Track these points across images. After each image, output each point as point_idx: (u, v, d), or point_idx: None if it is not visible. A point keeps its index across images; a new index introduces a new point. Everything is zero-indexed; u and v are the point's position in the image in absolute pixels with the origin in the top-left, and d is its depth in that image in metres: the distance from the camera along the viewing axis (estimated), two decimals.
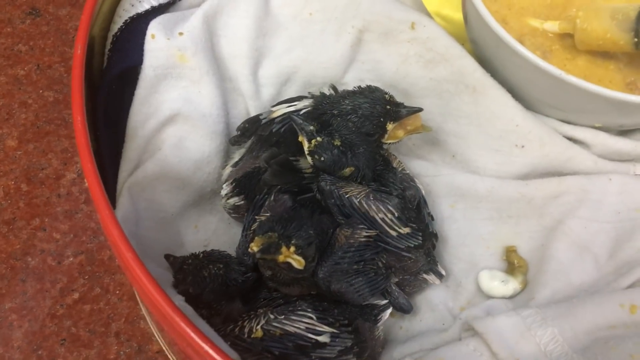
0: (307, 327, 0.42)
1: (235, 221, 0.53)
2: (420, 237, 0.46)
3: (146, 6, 0.51)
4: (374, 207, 0.45)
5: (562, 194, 0.52)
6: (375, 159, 0.47)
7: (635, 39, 0.52)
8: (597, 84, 0.48)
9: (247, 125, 0.51)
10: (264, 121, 0.50)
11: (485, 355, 0.44)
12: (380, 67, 0.55)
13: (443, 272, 0.49)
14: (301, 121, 0.45)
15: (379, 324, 0.46)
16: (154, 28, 0.50)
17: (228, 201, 0.50)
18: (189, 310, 0.40)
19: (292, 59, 0.55)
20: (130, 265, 0.36)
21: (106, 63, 0.50)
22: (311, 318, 0.42)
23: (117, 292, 0.58)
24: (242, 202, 0.49)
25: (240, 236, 0.48)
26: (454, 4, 0.63)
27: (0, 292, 0.58)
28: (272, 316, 0.42)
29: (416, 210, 0.47)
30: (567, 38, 0.56)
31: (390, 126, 0.47)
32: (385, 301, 0.47)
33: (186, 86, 0.51)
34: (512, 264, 0.51)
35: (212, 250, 0.46)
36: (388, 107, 0.47)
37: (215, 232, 0.53)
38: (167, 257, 0.45)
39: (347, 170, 0.45)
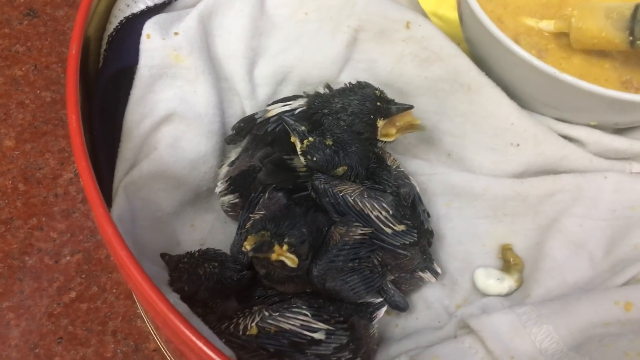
0: (302, 324, 0.42)
1: (232, 220, 0.53)
2: (415, 234, 0.47)
3: (141, 6, 0.51)
4: (368, 205, 0.45)
5: (558, 192, 0.52)
6: (368, 156, 0.47)
7: (630, 38, 0.52)
8: (593, 83, 0.48)
9: (242, 125, 0.51)
10: (259, 120, 0.50)
11: (480, 352, 0.44)
12: (376, 66, 0.55)
13: (439, 270, 0.50)
14: (293, 122, 0.45)
15: (374, 322, 0.46)
16: (150, 28, 0.50)
17: (223, 199, 0.50)
18: (184, 308, 0.40)
19: (287, 58, 0.55)
20: (125, 264, 0.36)
21: (102, 63, 0.50)
22: (306, 315, 0.42)
23: (114, 290, 0.58)
24: (237, 200, 0.49)
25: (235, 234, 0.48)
26: (449, 4, 0.63)
27: None
28: (267, 313, 0.42)
29: (411, 208, 0.47)
30: (562, 37, 0.56)
31: (380, 123, 0.47)
32: (380, 299, 0.47)
33: (182, 86, 0.51)
34: (507, 262, 0.51)
35: (207, 248, 0.46)
36: (378, 103, 0.47)
37: (211, 231, 0.53)
38: (163, 255, 0.45)
39: (340, 170, 0.46)
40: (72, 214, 0.62)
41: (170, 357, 0.54)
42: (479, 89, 0.53)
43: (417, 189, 0.49)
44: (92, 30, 0.50)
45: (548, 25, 0.57)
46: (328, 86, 0.51)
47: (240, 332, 0.41)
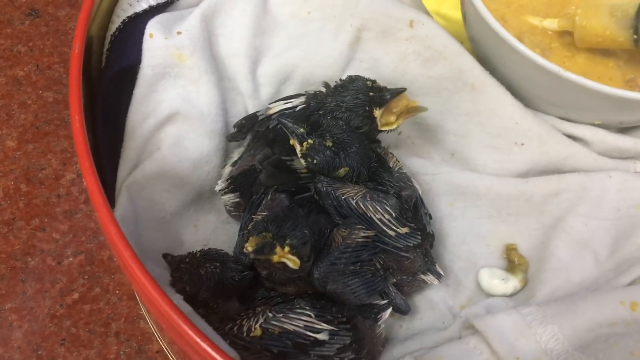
0: (305, 325, 0.41)
1: (235, 220, 0.53)
2: (419, 236, 0.46)
3: (144, 5, 0.51)
4: (371, 208, 0.45)
5: (562, 191, 0.52)
6: (369, 155, 0.47)
7: (635, 36, 0.51)
8: (597, 81, 0.48)
9: (244, 122, 0.51)
10: (260, 118, 0.50)
11: (485, 353, 0.44)
12: (379, 65, 0.55)
13: (441, 272, 0.49)
14: (291, 124, 0.45)
15: (379, 322, 0.46)
16: (152, 27, 0.50)
17: (223, 197, 0.50)
18: (187, 308, 0.40)
19: (290, 57, 0.55)
20: (128, 264, 0.36)
21: (104, 62, 0.50)
22: (309, 316, 0.42)
23: (117, 291, 0.58)
24: (239, 199, 0.49)
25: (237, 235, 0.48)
26: (453, 3, 0.63)
27: (0, 292, 0.58)
28: (270, 314, 0.42)
29: (413, 211, 0.47)
30: (566, 35, 0.56)
31: (377, 113, 0.47)
32: (385, 300, 0.47)
33: (185, 85, 0.51)
34: (512, 262, 0.51)
35: (209, 249, 0.46)
36: (371, 93, 0.47)
37: (214, 231, 0.53)
38: (165, 256, 0.45)
39: (342, 171, 0.45)
40: (75, 214, 0.62)
41: (173, 359, 0.54)
42: (483, 88, 0.53)
43: (420, 191, 0.49)
44: (95, 29, 0.50)
45: (552, 23, 0.57)
46: (326, 85, 0.51)
47: (244, 334, 0.41)
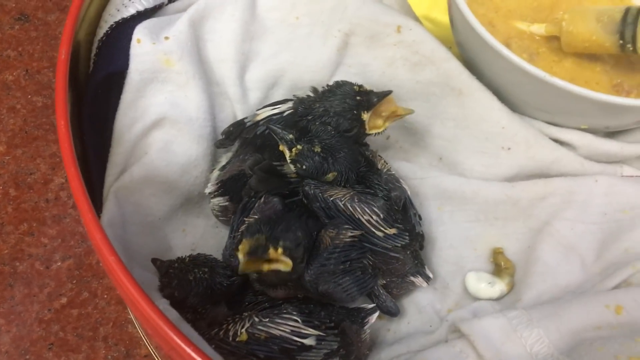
0: (292, 330, 0.42)
1: (223, 225, 0.53)
2: (407, 237, 0.47)
3: (132, 11, 0.51)
4: (358, 209, 0.45)
5: (549, 195, 0.52)
6: (358, 160, 0.47)
7: (621, 41, 0.52)
8: (584, 86, 0.48)
9: (231, 129, 0.51)
10: (248, 124, 0.50)
11: (471, 356, 0.44)
12: (367, 70, 0.55)
13: (430, 275, 0.50)
14: (280, 130, 0.45)
15: (365, 327, 0.46)
16: (140, 33, 0.50)
17: (213, 200, 0.50)
18: (173, 314, 0.40)
19: (278, 62, 0.55)
20: (113, 270, 0.36)
21: (92, 67, 0.50)
22: (296, 321, 0.42)
23: (105, 296, 0.58)
24: (227, 203, 0.49)
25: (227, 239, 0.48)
26: (442, 7, 0.63)
27: None
28: (257, 319, 0.42)
29: (402, 212, 0.47)
30: (553, 40, 0.57)
31: (365, 116, 0.47)
32: (372, 305, 0.47)
33: (172, 90, 0.51)
34: (499, 265, 0.51)
35: (198, 254, 0.46)
36: (358, 97, 0.47)
37: (203, 235, 0.53)
38: (154, 261, 0.45)
39: (330, 176, 0.46)
40: (63, 219, 0.62)
41: None
42: (470, 93, 0.54)
43: (408, 192, 0.49)
44: (82, 34, 0.50)
45: (539, 28, 0.57)
46: (314, 89, 0.51)
47: (230, 338, 0.41)
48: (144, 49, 0.49)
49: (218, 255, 0.47)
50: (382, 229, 0.45)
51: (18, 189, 0.63)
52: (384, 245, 0.46)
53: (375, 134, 0.49)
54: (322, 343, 0.42)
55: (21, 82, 0.69)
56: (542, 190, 0.52)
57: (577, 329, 0.43)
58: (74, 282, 0.59)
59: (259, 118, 0.49)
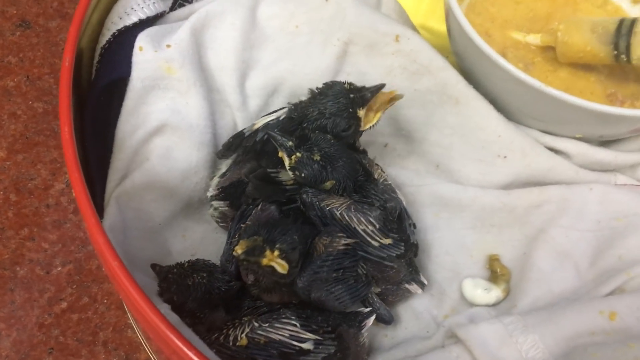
0: (291, 335, 0.42)
1: (223, 230, 0.53)
2: (402, 247, 0.47)
3: (134, 19, 0.52)
4: (355, 219, 0.45)
5: (544, 203, 0.53)
6: (356, 169, 0.48)
7: (615, 52, 0.53)
8: (579, 96, 0.49)
9: (232, 140, 0.51)
10: (247, 134, 0.50)
11: None
12: (366, 78, 0.55)
13: (425, 282, 0.50)
14: (280, 137, 0.46)
15: (363, 331, 0.46)
16: (142, 40, 0.50)
17: (213, 203, 0.50)
18: (174, 318, 0.40)
19: (278, 70, 0.56)
20: (116, 274, 0.37)
21: (94, 74, 0.51)
22: (295, 326, 0.42)
23: (105, 301, 0.58)
24: (227, 208, 0.50)
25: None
26: (439, 17, 0.64)
27: None
28: (256, 324, 0.42)
29: (398, 222, 0.48)
30: (549, 50, 0.58)
31: (361, 112, 0.47)
32: (368, 309, 0.47)
33: (174, 97, 0.51)
34: (494, 272, 0.52)
35: (197, 259, 0.46)
36: (351, 95, 0.47)
37: (202, 241, 0.53)
38: (153, 266, 0.46)
39: (328, 184, 0.46)
40: (64, 224, 0.62)
41: None
42: (467, 102, 0.54)
43: (404, 202, 0.49)
44: (85, 42, 0.50)
45: (535, 39, 0.58)
46: (311, 91, 0.50)
47: (230, 343, 0.42)
48: (146, 56, 0.50)
49: (217, 261, 0.48)
50: (377, 238, 0.46)
51: (19, 194, 0.63)
52: (379, 255, 0.46)
53: (370, 127, 0.49)
54: (320, 347, 0.43)
55: (22, 88, 0.69)
56: (538, 198, 0.53)
57: (572, 334, 0.44)
58: (74, 287, 0.59)
59: (256, 127, 0.50)
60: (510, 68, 0.49)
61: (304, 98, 0.51)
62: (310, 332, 0.43)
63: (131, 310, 0.39)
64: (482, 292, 0.51)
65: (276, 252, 0.41)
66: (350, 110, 0.47)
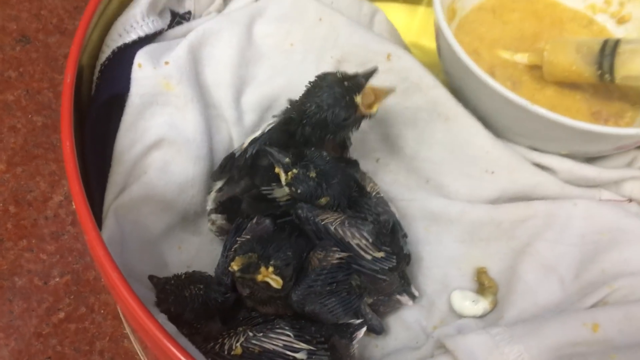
0: (284, 345, 0.43)
1: (219, 243, 0.54)
2: (394, 260, 0.48)
3: (133, 36, 0.53)
4: (348, 233, 0.46)
5: (530, 217, 0.54)
6: (350, 186, 0.49)
7: (599, 71, 0.54)
8: (565, 113, 0.50)
9: (224, 162, 0.52)
10: (237, 154, 0.51)
11: None
12: None
13: (416, 293, 0.51)
14: (277, 153, 0.47)
15: (354, 342, 0.47)
16: (141, 57, 0.52)
17: (211, 217, 0.52)
18: (171, 328, 0.41)
19: (273, 86, 0.57)
20: (115, 285, 0.38)
21: (94, 90, 0.52)
22: (289, 336, 0.43)
23: (102, 311, 0.59)
24: (224, 222, 0.51)
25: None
26: (430, 35, 0.65)
27: None
28: (251, 334, 0.43)
29: (391, 234, 0.49)
30: (536, 69, 0.59)
31: (358, 99, 0.47)
32: (360, 320, 0.48)
33: (171, 112, 0.52)
34: (482, 284, 0.53)
35: (193, 271, 0.47)
36: (346, 83, 0.47)
37: (198, 253, 0.54)
38: (151, 278, 0.47)
39: (323, 200, 0.47)
40: (62, 236, 0.63)
41: None
42: (456, 119, 0.56)
43: (397, 215, 0.51)
44: (85, 58, 0.52)
45: (522, 58, 0.60)
46: (290, 102, 0.50)
47: (226, 352, 0.43)
48: (145, 73, 0.51)
49: (213, 272, 0.49)
50: (370, 252, 0.47)
51: (18, 206, 0.64)
52: (372, 268, 0.48)
53: (369, 116, 0.49)
54: (313, 357, 0.44)
55: (22, 102, 0.70)
56: (524, 213, 0.54)
57: (556, 345, 0.45)
58: (72, 297, 0.60)
59: (245, 146, 0.50)
60: (497, 87, 0.51)
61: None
62: (303, 342, 0.44)
63: (129, 320, 0.40)
64: (470, 304, 0.52)
65: (270, 269, 0.43)
66: (347, 97, 0.47)
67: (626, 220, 0.53)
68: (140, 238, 0.50)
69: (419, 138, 0.57)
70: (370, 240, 0.47)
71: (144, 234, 0.51)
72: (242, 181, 0.50)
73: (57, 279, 0.61)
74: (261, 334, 0.43)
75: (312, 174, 0.46)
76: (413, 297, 0.51)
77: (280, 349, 0.43)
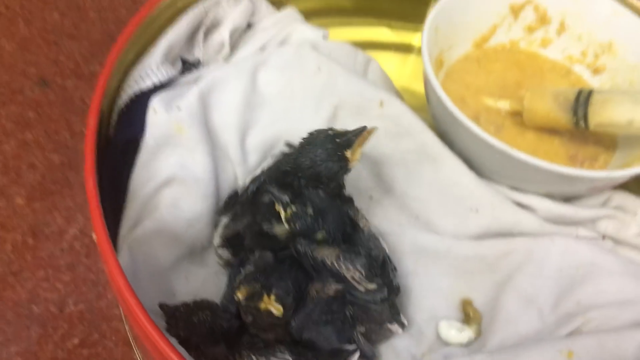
0: None
1: (222, 274, 0.56)
2: (385, 291, 0.51)
3: (148, 83, 0.57)
4: (343, 267, 0.49)
5: (511, 252, 0.56)
6: (344, 222, 0.52)
7: (575, 118, 0.58)
8: (544, 157, 0.52)
9: (228, 200, 0.56)
10: (240, 192, 0.55)
11: None
12: None
13: (405, 322, 0.53)
14: (277, 192, 0.50)
15: None
16: (156, 103, 0.55)
17: (218, 251, 0.55)
18: (182, 351, 0.45)
19: (275, 130, 0.60)
20: (135, 312, 0.42)
21: (113, 133, 0.55)
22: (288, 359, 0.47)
23: (113, 338, 0.61)
24: (230, 256, 0.54)
25: (225, 287, 0.53)
26: (421, 80, 0.68)
27: (7, 337, 0.61)
28: (254, 357, 0.46)
29: (381, 267, 0.51)
30: (518, 115, 0.62)
31: (348, 153, 0.50)
32: (353, 346, 0.51)
33: (182, 154, 0.55)
34: (467, 314, 0.55)
35: (201, 299, 0.50)
36: (337, 140, 0.50)
37: (203, 283, 0.56)
38: (162, 305, 0.49)
39: (320, 235, 0.50)
40: (77, 267, 0.65)
41: None
42: (443, 161, 0.58)
43: (387, 250, 0.53)
44: (105, 104, 0.55)
45: (505, 104, 0.63)
46: (289, 144, 0.54)
47: None
48: (159, 118, 0.54)
49: (218, 301, 0.52)
50: (363, 284, 0.50)
51: (36, 238, 0.67)
52: (365, 299, 0.50)
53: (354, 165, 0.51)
54: None
55: (40, 141, 0.73)
56: (506, 248, 0.56)
57: None
58: (85, 324, 0.62)
59: (246, 183, 0.54)
60: (480, 133, 0.53)
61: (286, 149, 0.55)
62: None
63: (145, 343, 0.43)
64: (455, 333, 0.54)
65: (272, 297, 0.46)
66: (339, 153, 0.50)
67: (601, 256, 0.55)
68: (151, 269, 0.52)
69: (409, 178, 0.60)
70: (364, 273, 0.49)
71: (155, 266, 0.53)
72: (244, 218, 0.53)
73: (72, 307, 0.63)
74: (263, 358, 0.46)
75: (309, 211, 0.50)
76: (403, 325, 0.53)
77: None
